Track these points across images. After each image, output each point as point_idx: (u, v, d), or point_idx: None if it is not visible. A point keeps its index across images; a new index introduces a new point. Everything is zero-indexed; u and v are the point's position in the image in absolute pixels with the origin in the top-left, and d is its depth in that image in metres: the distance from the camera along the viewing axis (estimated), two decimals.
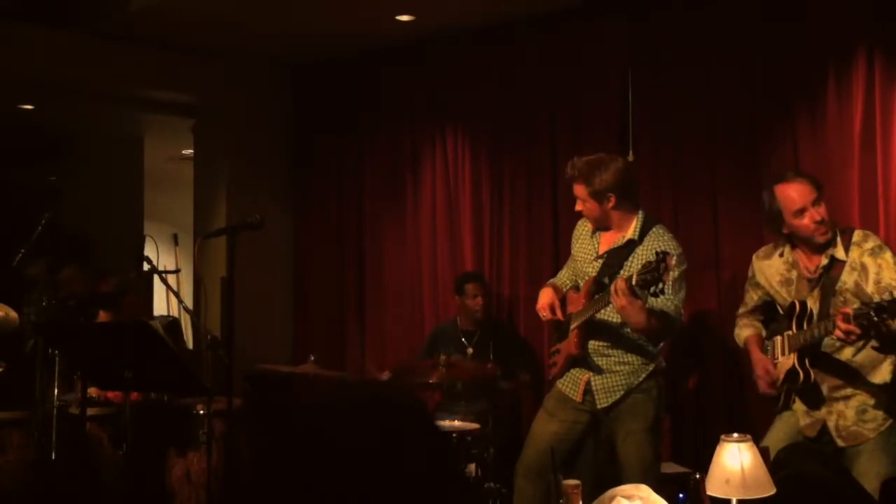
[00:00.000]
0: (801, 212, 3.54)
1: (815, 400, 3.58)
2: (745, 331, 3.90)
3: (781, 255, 3.69)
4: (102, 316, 5.10)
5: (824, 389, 3.56)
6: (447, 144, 6.24)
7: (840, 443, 3.53)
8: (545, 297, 4.03)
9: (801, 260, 3.63)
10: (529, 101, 5.80)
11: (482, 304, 5.55)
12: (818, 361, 3.54)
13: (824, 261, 3.55)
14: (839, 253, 3.53)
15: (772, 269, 3.72)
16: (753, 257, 3.86)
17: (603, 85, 5.45)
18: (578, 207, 3.94)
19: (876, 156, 4.41)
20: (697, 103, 5.10)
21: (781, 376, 3.61)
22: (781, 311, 3.72)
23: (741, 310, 3.96)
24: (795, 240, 3.64)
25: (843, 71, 4.58)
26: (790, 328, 3.59)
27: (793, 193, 3.55)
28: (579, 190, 3.88)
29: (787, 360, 3.58)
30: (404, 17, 5.84)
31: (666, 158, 5.19)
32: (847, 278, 3.49)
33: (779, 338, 3.66)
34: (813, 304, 3.54)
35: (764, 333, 3.83)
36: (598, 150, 4.02)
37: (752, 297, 3.89)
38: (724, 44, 4.99)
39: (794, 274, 3.64)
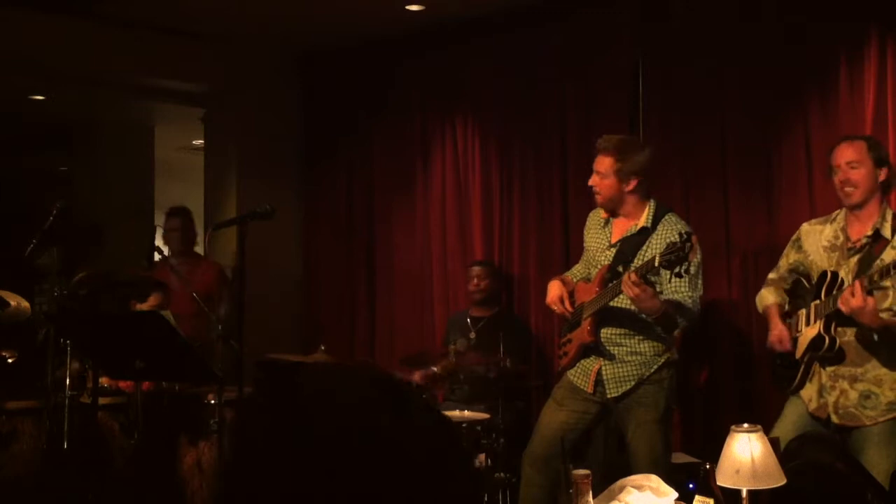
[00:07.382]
0: (835, 169, 3.60)
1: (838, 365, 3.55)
2: (770, 297, 3.84)
3: (835, 219, 3.68)
4: (152, 300, 5.12)
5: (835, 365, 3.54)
6: (457, 132, 6.24)
7: (834, 419, 3.52)
8: (554, 289, 4.01)
9: (849, 227, 3.62)
10: (539, 88, 5.78)
11: (478, 287, 5.56)
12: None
13: (869, 232, 3.53)
14: (885, 230, 3.51)
15: (822, 235, 3.69)
16: (804, 224, 3.84)
17: (613, 71, 5.43)
18: (593, 181, 3.86)
19: (888, 140, 4.38)
20: (708, 89, 5.07)
21: (804, 346, 3.57)
22: (808, 285, 3.68)
23: (772, 274, 3.91)
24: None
25: (854, 55, 4.55)
26: (818, 298, 3.56)
27: (836, 152, 3.63)
28: (605, 163, 3.81)
29: (811, 330, 3.55)
30: (414, 7, 5.83)
31: (676, 144, 5.17)
32: (886, 256, 3.45)
33: (803, 311, 3.64)
34: (846, 275, 3.52)
35: (787, 307, 3.78)
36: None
37: (786, 262, 3.84)
38: (735, 29, 4.96)
39: (840, 241, 3.61)
